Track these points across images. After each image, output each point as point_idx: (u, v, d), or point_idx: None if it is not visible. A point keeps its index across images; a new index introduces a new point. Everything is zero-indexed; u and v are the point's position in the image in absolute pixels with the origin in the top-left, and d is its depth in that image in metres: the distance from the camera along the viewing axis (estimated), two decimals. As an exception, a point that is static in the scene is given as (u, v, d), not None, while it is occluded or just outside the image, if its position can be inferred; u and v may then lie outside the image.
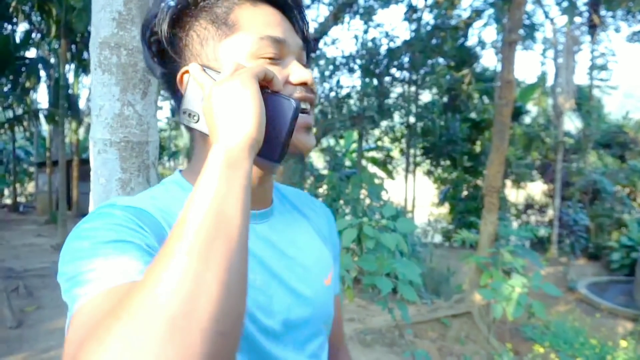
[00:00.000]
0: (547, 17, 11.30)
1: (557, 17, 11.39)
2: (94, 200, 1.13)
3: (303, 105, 0.60)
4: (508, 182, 14.41)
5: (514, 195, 15.19)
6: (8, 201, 16.26)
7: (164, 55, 0.63)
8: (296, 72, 0.61)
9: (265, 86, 0.55)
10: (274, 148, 0.55)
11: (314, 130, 0.54)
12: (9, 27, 10.41)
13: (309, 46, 0.67)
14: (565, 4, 10.09)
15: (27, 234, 9.72)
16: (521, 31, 10.92)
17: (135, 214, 0.53)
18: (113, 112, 1.09)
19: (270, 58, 0.59)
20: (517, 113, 13.63)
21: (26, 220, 12.17)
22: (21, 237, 9.34)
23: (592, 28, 11.32)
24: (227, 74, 0.54)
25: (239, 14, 0.60)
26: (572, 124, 13.69)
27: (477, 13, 9.60)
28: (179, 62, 0.62)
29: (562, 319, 6.46)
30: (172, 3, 0.61)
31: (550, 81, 13.85)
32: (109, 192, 1.11)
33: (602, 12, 11.81)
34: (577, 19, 11.87)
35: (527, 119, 14.84)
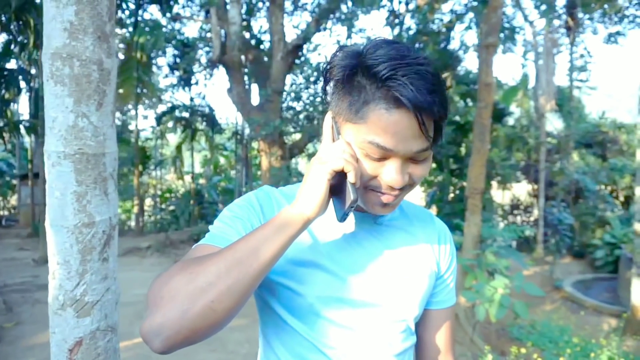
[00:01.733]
0: (526, 20, 11.44)
1: (537, 20, 11.54)
2: (49, 215, 1.10)
3: (384, 194, 0.76)
4: (494, 184, 14.55)
5: (500, 196, 15.33)
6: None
7: (326, 87, 0.79)
8: (386, 175, 0.73)
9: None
10: (338, 214, 0.74)
11: (352, 179, 0.70)
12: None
13: (438, 140, 0.75)
14: (543, 7, 10.25)
15: (8, 247, 9.53)
16: (501, 34, 11.09)
17: (260, 197, 0.84)
18: (67, 124, 1.07)
19: (371, 157, 0.72)
20: (501, 115, 13.78)
21: (8, 234, 11.95)
22: (2, 251, 9.16)
23: (570, 30, 11.51)
24: (326, 152, 0.71)
25: (369, 112, 0.69)
26: (553, 124, 13.89)
27: (458, 17, 9.71)
28: (330, 100, 0.78)
29: (547, 318, 6.51)
30: (346, 61, 0.73)
31: (532, 83, 14.08)
32: (64, 206, 1.09)
33: (580, 15, 12.04)
34: (556, 22, 12.09)
35: (510, 121, 15.01)
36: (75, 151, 1.07)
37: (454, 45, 12.10)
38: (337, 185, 0.72)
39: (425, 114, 0.67)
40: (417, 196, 16.10)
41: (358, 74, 0.70)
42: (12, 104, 12.41)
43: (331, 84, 0.76)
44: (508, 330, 6.23)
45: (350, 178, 0.69)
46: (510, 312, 5.15)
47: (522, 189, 14.56)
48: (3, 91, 10.50)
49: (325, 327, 0.79)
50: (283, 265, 0.79)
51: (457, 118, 13.50)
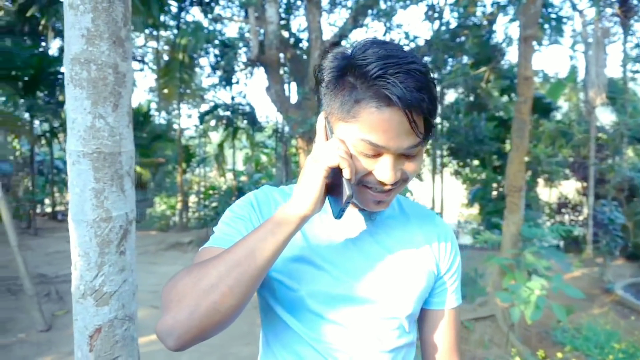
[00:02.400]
0: (575, 9, 10.89)
1: (586, 9, 10.98)
2: (71, 210, 1.18)
3: (379, 192, 0.77)
4: (540, 181, 14.00)
5: (547, 194, 14.73)
6: (48, 210, 16.99)
7: (319, 89, 0.80)
8: (379, 172, 0.74)
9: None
10: (334, 211, 0.75)
11: (347, 175, 0.71)
12: (43, 44, 10.91)
13: (428, 135, 0.76)
14: (593, -5, 9.74)
15: (62, 240, 10.12)
16: (547, 25, 10.63)
17: (259, 197, 0.88)
18: (85, 125, 1.14)
19: (364, 154, 0.73)
20: (547, 109, 13.22)
21: (62, 228, 12.68)
22: (56, 244, 9.74)
23: (624, 18, 10.87)
24: (320, 149, 0.71)
25: (361, 110, 0.71)
26: (605, 118, 13.17)
27: (499, 9, 9.38)
28: (322, 101, 0.79)
29: (594, 322, 6.21)
30: (335, 62, 0.75)
31: (581, 75, 13.42)
32: (84, 202, 1.16)
33: (635, 1, 11.34)
34: (608, 10, 11.44)
35: (558, 115, 14.39)
36: (93, 150, 1.14)
37: (497, 38, 11.73)
38: (332, 183, 0.73)
39: (414, 111, 0.69)
40: (459, 193, 15.73)
41: (348, 74, 0.72)
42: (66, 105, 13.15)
43: (323, 85, 0.77)
44: (551, 333, 6.00)
45: (346, 174, 0.70)
46: (553, 315, 4.96)
47: (570, 187, 13.92)
48: (58, 93, 11.15)
49: (316, 322, 0.81)
50: (278, 262, 0.80)
51: (500, 114, 13.11)
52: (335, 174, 0.72)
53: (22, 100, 10.75)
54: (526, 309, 3.41)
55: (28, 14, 8.35)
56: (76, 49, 1.12)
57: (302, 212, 0.69)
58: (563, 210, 13.56)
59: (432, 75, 0.73)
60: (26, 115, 11.17)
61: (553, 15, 10.67)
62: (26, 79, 9.92)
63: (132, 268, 1.26)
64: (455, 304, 0.94)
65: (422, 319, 0.94)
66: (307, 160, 0.72)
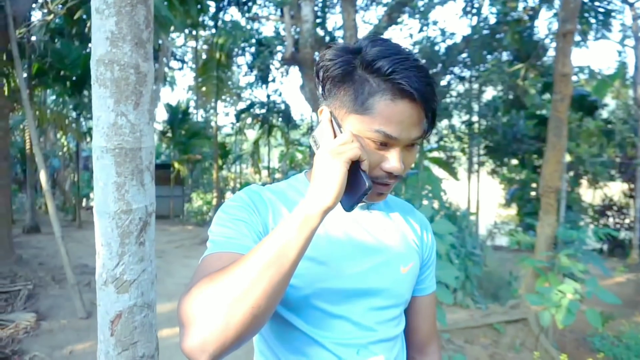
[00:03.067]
0: (624, 2, 10.39)
1: (637, 2, 10.46)
2: (95, 202, 1.26)
3: (381, 184, 0.80)
4: (583, 182, 13.46)
5: (590, 195, 14.14)
6: (92, 203, 17.77)
7: (322, 84, 0.82)
8: (389, 162, 0.77)
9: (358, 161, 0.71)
10: (347, 203, 0.74)
11: (365, 166, 0.74)
12: (90, 45, 11.40)
13: (431, 127, 0.81)
14: (644, -13, 9.25)
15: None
16: (593, 20, 10.18)
17: (253, 198, 0.86)
18: (108, 122, 1.21)
19: (378, 143, 0.76)
20: (592, 107, 12.67)
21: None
22: (93, 235, 10.17)
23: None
24: (338, 142, 0.70)
25: (375, 103, 0.74)
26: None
27: (541, 3, 9.07)
28: (326, 95, 0.81)
29: (637, 330, 5.92)
30: (343, 58, 0.77)
31: (630, 71, 12.76)
32: (107, 195, 1.23)
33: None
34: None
35: (604, 114, 13.76)
36: (115, 146, 1.21)
37: (539, 34, 11.34)
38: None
39: (426, 104, 0.74)
40: (496, 193, 15.33)
41: (358, 68, 0.76)
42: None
43: (328, 79, 0.80)
44: (589, 340, 5.77)
45: (365, 166, 0.71)
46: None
47: (616, 189, 13.30)
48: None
49: (323, 320, 0.82)
50: None
51: (542, 112, 12.67)
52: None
53: (69, 99, 11.29)
54: (557, 313, 3.31)
55: (76, 17, 8.76)
56: (101, 50, 1.19)
57: (325, 205, 0.67)
58: (607, 212, 12.99)
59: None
60: (73, 114, 11.73)
61: (601, 9, 10.22)
62: (74, 78, 10.42)
63: (151, 258, 1.33)
64: (434, 288, 1.02)
65: (411, 306, 0.97)
66: (322, 155, 0.70)
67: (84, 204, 15.68)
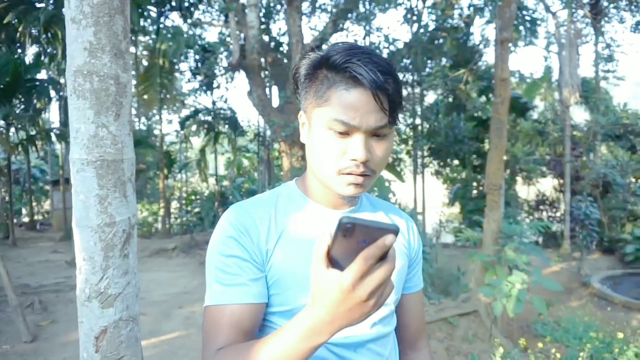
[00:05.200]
0: (548, 11, 11.22)
1: (559, 11, 11.32)
2: (75, 216, 1.22)
3: (350, 173, 0.80)
4: (519, 179, 14.32)
5: (525, 191, 15.07)
6: (26, 219, 16.63)
7: (296, 88, 0.88)
8: (352, 150, 0.78)
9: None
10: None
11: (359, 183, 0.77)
12: (19, 51, 10.73)
13: (395, 117, 0.81)
14: (565, -2, 10.05)
15: (43, 250, 9.95)
16: (521, 27, 10.91)
17: (241, 221, 0.84)
18: (88, 134, 1.18)
19: (338, 132, 0.78)
20: (524, 109, 13.56)
21: (43, 238, 12.45)
22: (37, 254, 9.57)
23: (595, 20, 11.24)
24: (366, 292, 0.56)
25: (332, 94, 0.78)
26: (579, 117, 13.57)
27: (477, 11, 9.61)
28: (300, 99, 0.86)
29: (573, 315, 6.41)
30: (309, 60, 0.83)
31: (555, 75, 13.78)
32: (88, 208, 1.20)
33: (605, 3, 11.73)
34: (580, 12, 11.81)
35: (534, 115, 14.75)
36: (97, 158, 1.19)
37: (475, 40, 11.99)
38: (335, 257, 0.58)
39: (380, 91, 0.76)
40: (440, 193, 15.98)
41: (321, 67, 0.81)
42: (43, 112, 12.93)
43: (300, 82, 0.85)
44: (532, 327, 6.17)
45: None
46: (533, 309, 5.10)
47: (547, 184, 14.28)
48: (34, 101, 10.96)
49: None
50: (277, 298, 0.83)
51: (479, 114, 13.39)
52: (347, 242, 0.55)
53: (-3, 108, 10.54)
54: (508, 303, 3.53)
55: (5, 21, 8.21)
56: (79, 61, 1.17)
57: (338, 329, 0.61)
58: (541, 207, 13.92)
59: (394, 68, 0.80)
60: (1, 123, 10.95)
61: (527, 18, 10.96)
62: (1, 86, 9.74)
63: (135, 271, 1.31)
64: (422, 285, 1.06)
65: (401, 304, 1.02)
66: (341, 298, 0.57)
67: (16, 220, 14.63)
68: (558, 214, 13.36)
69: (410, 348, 1.06)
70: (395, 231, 0.53)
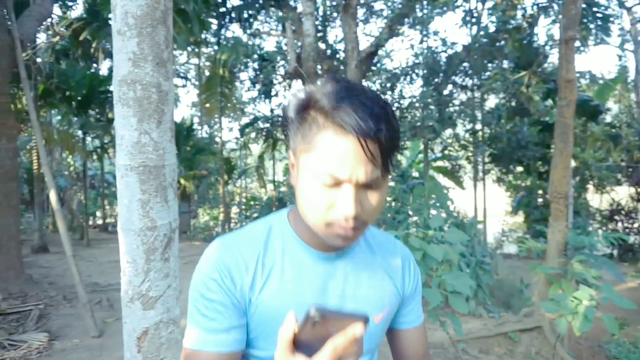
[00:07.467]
0: (622, 6, 10.45)
1: (635, 6, 10.52)
2: (120, 220, 1.27)
3: (340, 226, 0.73)
4: (590, 187, 13.40)
5: (597, 200, 14.07)
6: (99, 222, 17.82)
7: (285, 129, 0.80)
8: (341, 204, 0.71)
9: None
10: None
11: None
12: (94, 65, 11.57)
13: (387, 167, 0.73)
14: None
15: (113, 251, 10.59)
16: (592, 25, 10.23)
17: (225, 262, 0.80)
18: (132, 141, 1.23)
19: (326, 184, 0.71)
20: (595, 112, 12.67)
21: (112, 239, 13.26)
22: (107, 254, 10.21)
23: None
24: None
25: (319, 141, 0.71)
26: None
27: (540, 10, 9.14)
28: (289, 139, 0.79)
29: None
30: (297, 100, 0.76)
31: (631, 76, 12.78)
32: (132, 212, 1.24)
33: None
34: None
35: (607, 118, 13.76)
36: (139, 164, 1.23)
37: (539, 40, 11.40)
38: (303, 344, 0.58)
39: (369, 140, 0.68)
40: (503, 201, 15.27)
41: (309, 108, 0.74)
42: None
43: (289, 122, 0.78)
44: (605, 347, 5.70)
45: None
46: (606, 327, 4.69)
47: (623, 193, 13.23)
48: (107, 111, 11.76)
49: None
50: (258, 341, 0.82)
51: (546, 118, 12.69)
52: (312, 331, 0.55)
53: (75, 119, 11.41)
54: (574, 320, 3.27)
55: (81, 38, 8.90)
56: (123, 71, 1.22)
57: None
58: (616, 217, 12.90)
59: (391, 107, 0.74)
60: (79, 133, 11.83)
61: (599, 15, 10.28)
62: (79, 98, 10.54)
63: (176, 274, 1.34)
64: (422, 318, 1.00)
65: (397, 339, 0.98)
66: None
67: (90, 222, 15.72)
68: (635, 225, 12.32)
69: None
70: (365, 319, 0.54)
